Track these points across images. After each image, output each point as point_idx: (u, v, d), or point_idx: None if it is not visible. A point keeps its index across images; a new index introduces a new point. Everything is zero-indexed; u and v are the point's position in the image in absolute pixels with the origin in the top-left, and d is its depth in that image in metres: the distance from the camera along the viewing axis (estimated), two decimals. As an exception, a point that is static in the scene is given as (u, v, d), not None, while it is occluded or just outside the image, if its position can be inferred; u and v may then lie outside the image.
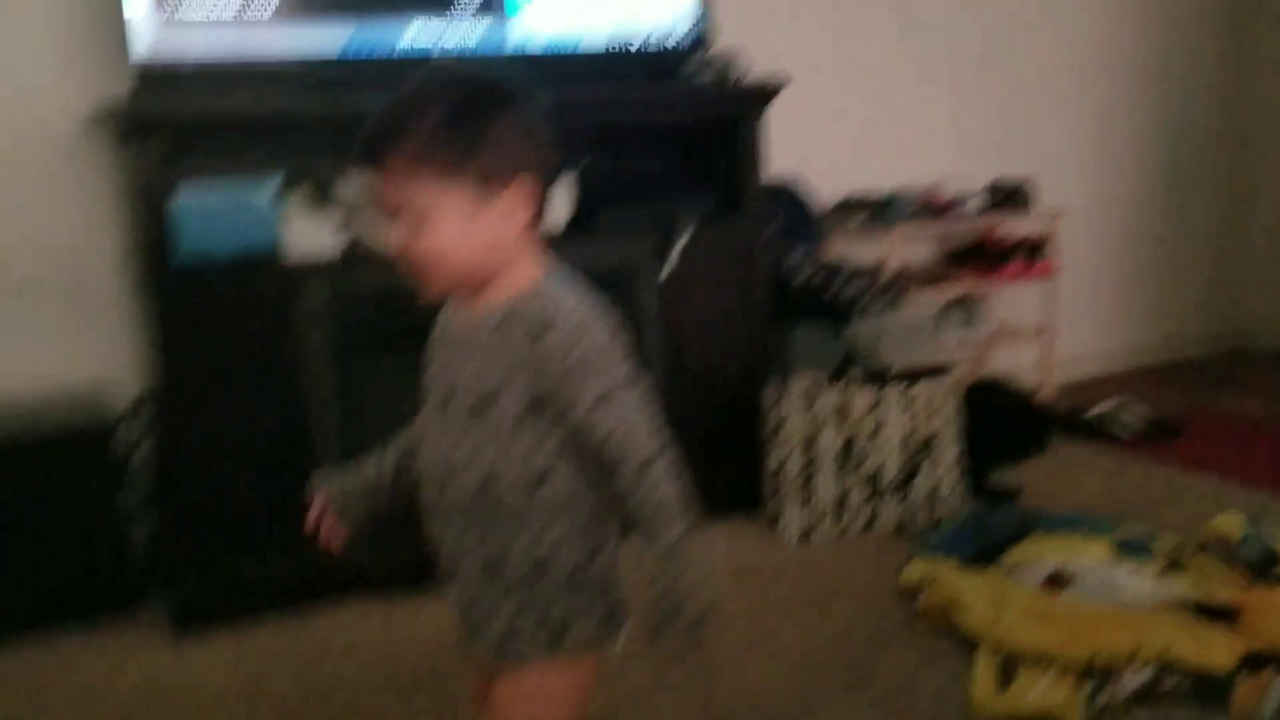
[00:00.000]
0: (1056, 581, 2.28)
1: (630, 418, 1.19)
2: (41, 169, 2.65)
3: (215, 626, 2.45)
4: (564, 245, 2.48)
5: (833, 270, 3.16)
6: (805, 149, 3.48)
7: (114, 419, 2.57)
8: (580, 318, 1.20)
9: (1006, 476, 3.11)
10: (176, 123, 2.42)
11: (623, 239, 2.81)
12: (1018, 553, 2.45)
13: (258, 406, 2.50)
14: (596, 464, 1.21)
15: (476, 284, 1.23)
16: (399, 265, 1.22)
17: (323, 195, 2.56)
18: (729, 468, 2.97)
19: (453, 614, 1.32)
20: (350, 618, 2.49)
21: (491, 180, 1.18)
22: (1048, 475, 3.21)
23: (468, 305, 1.25)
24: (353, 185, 2.53)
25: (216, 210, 2.40)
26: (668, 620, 1.17)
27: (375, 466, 1.41)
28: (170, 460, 2.53)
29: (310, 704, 2.13)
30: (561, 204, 2.76)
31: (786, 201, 3.35)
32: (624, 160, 2.99)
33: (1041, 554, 2.41)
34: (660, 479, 1.19)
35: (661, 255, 2.84)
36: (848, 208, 3.60)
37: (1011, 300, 4.08)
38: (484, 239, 1.20)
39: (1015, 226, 3.86)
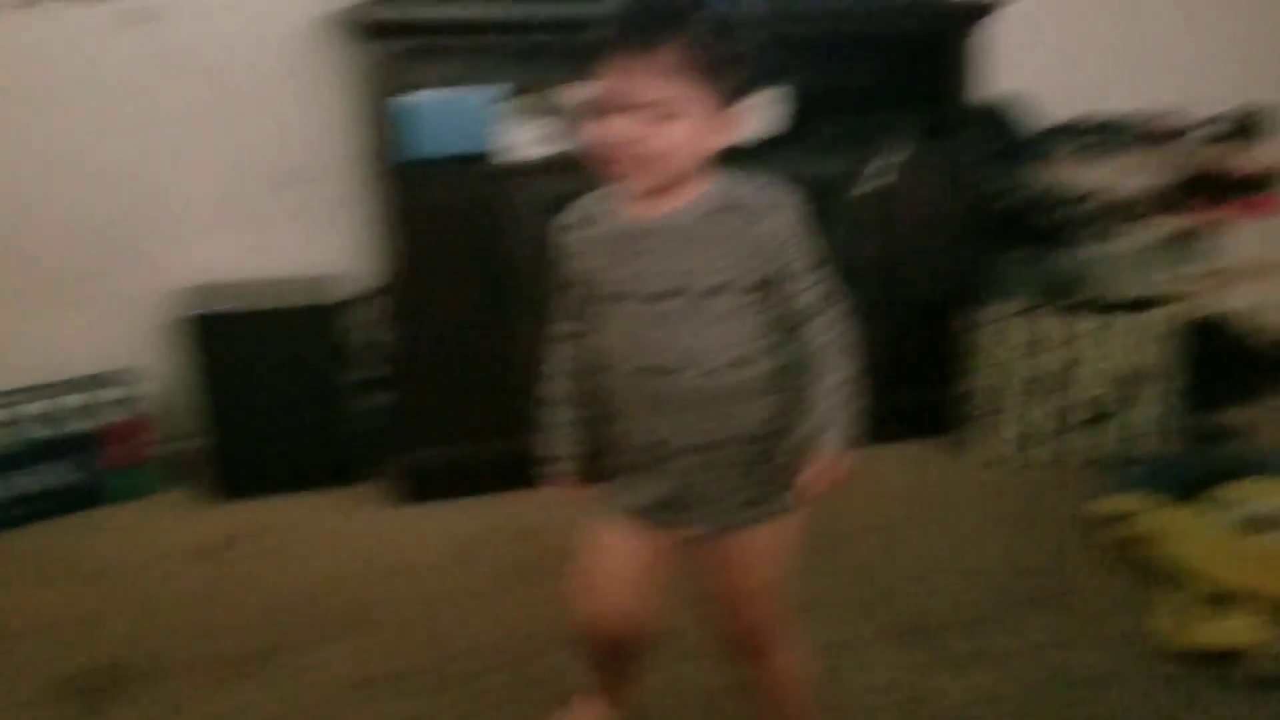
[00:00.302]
0: (1259, 523, 2.21)
1: (822, 285, 1.36)
2: (281, 69, 2.87)
3: (433, 500, 2.68)
4: (772, 156, 2.55)
5: (1048, 194, 3.07)
6: (1033, 67, 3.36)
7: (343, 303, 2.81)
8: (783, 201, 1.32)
9: (1225, 417, 2.99)
10: (409, 27, 2.57)
11: (831, 153, 2.82)
12: (1225, 493, 2.38)
13: (474, 298, 2.68)
14: (789, 335, 1.36)
15: (678, 183, 1.31)
16: (605, 157, 1.28)
17: (543, 102, 2.68)
18: (922, 390, 2.98)
19: (653, 499, 1.43)
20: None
21: (735, 92, 1.27)
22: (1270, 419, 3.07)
23: (652, 203, 1.33)
24: (573, 92, 2.63)
25: (443, 111, 2.56)
26: (826, 441, 1.33)
27: (569, 411, 1.50)
28: (396, 343, 2.76)
29: (521, 572, 2.33)
30: (774, 115, 2.79)
31: (1003, 121, 3.26)
32: (834, 74, 2.98)
33: (1249, 495, 2.34)
34: (842, 330, 1.37)
35: (867, 170, 2.84)
36: (1070, 131, 3.46)
37: (1240, 235, 3.84)
38: (708, 143, 1.29)
39: (1247, 158, 3.62)
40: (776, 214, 1.31)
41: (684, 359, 1.34)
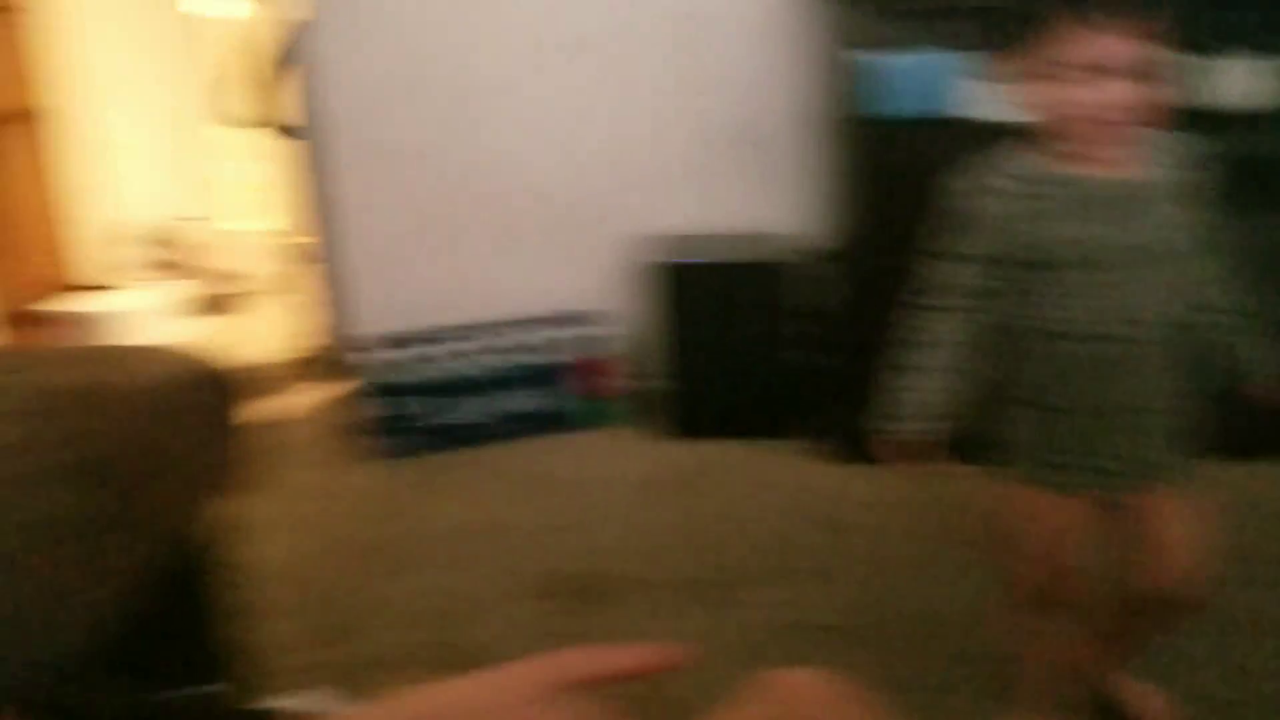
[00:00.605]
0: None
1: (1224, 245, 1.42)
2: (748, 31, 2.97)
3: (874, 461, 2.68)
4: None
5: None
6: None
7: (796, 261, 2.87)
8: (1201, 161, 1.38)
9: None
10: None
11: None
12: None
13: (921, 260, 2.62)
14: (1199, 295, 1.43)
15: (1133, 144, 1.36)
16: (1079, 119, 1.31)
17: (1005, 65, 2.55)
18: None
19: (1094, 463, 1.43)
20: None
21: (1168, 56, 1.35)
22: None
23: (1109, 164, 1.35)
24: (1034, 55, 2.48)
25: (909, 71, 2.52)
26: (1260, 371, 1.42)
27: (942, 379, 1.46)
28: (842, 303, 2.78)
29: (962, 543, 2.29)
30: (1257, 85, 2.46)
31: None
32: None
33: None
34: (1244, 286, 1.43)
35: None
36: None
37: None
38: (1158, 105, 1.33)
39: None
40: (1200, 174, 1.37)
41: (1139, 321, 1.35)
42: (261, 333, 3.89)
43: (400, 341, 2.93)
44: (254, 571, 2.23)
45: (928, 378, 1.47)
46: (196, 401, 1.52)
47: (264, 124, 3.54)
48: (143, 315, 3.72)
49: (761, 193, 3.09)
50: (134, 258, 4.29)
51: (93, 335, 3.52)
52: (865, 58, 2.55)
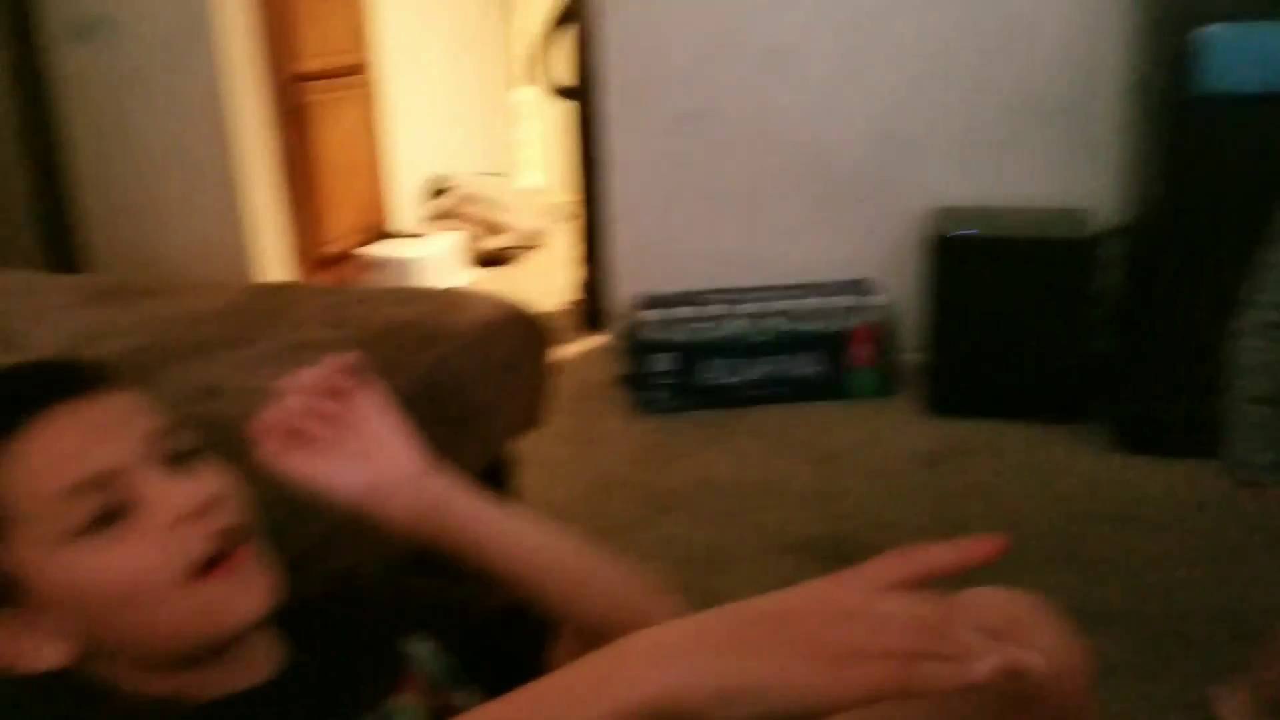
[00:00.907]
0: None
1: None
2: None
3: (1156, 454, 2.57)
4: None
5: None
6: None
7: (1086, 239, 2.75)
8: None
9: None
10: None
11: None
12: None
13: (1238, 250, 2.46)
14: None
15: None
16: None
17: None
18: None
19: None
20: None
21: None
22: None
23: None
24: None
25: (1248, 45, 2.35)
26: None
27: None
28: (1137, 286, 2.65)
29: (1252, 551, 2.16)
30: None
31: None
32: None
33: None
34: None
35: None
36: None
37: None
38: None
39: None
40: None
41: None
42: (536, 286, 4.12)
43: (668, 301, 3.03)
44: (528, 500, 2.41)
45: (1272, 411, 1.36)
46: (515, 343, 1.66)
47: (549, 84, 3.73)
48: (437, 262, 4.01)
49: (1067, 168, 2.98)
50: (433, 208, 4.63)
51: (396, 279, 3.84)
52: (1200, 29, 2.40)
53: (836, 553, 2.22)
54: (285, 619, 0.82)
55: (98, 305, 1.82)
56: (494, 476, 1.84)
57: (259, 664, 0.81)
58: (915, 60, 3.01)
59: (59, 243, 3.49)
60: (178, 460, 0.77)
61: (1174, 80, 2.43)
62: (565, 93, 3.67)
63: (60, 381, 0.76)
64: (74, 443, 0.73)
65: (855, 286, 3.07)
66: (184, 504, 0.75)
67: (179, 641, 0.76)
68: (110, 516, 0.73)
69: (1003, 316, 2.77)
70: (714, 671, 0.53)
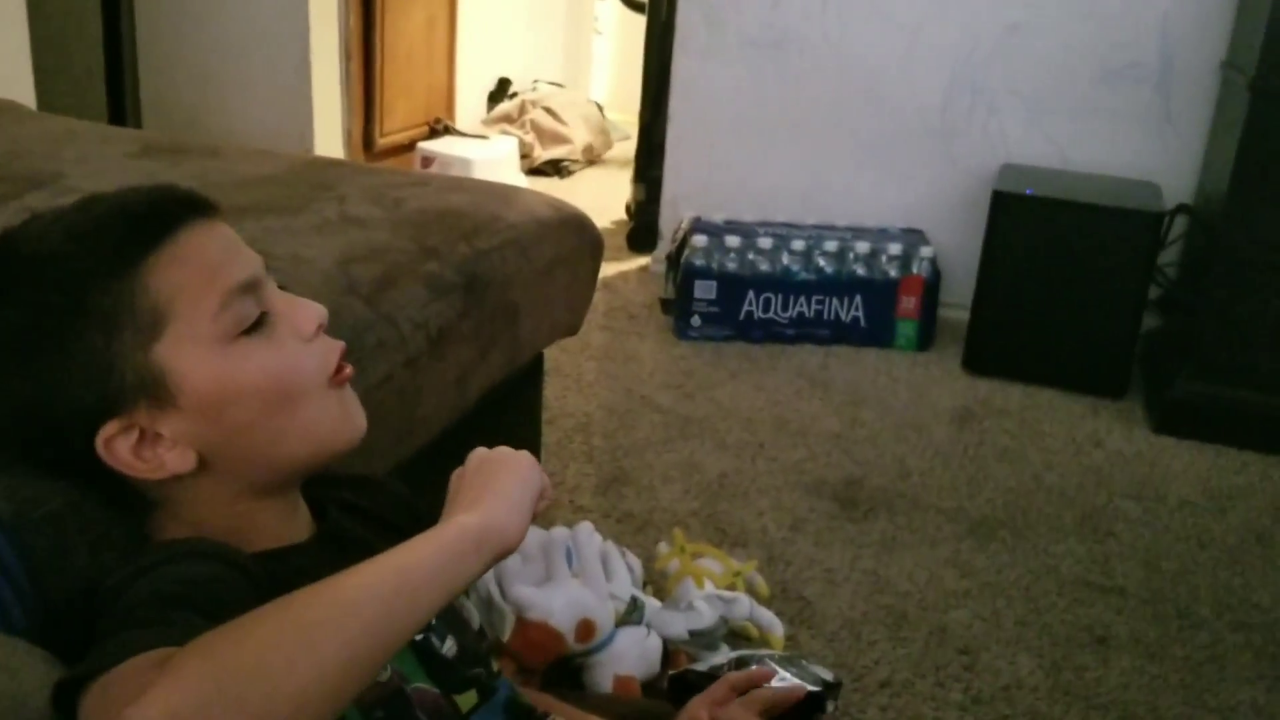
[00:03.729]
0: None
1: None
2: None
3: (1188, 436, 2.54)
4: None
5: None
6: None
7: (1158, 214, 2.69)
8: None
9: None
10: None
11: None
12: None
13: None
14: None
15: None
16: None
17: None
18: None
19: None
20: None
21: None
22: None
23: None
24: None
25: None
26: None
27: None
28: (1189, 266, 2.59)
29: (1270, 541, 2.14)
30: None
31: None
32: None
33: None
34: None
35: None
36: None
37: None
38: None
39: None
40: None
41: None
42: (588, 201, 4.10)
43: (718, 229, 3.01)
44: (553, 410, 2.43)
45: None
46: (564, 245, 1.66)
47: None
48: (494, 165, 4.00)
49: (1146, 140, 2.90)
50: (496, 112, 4.60)
51: (453, 174, 3.83)
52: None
53: (848, 496, 2.22)
54: (312, 497, 0.89)
55: (152, 159, 1.83)
56: (525, 379, 1.85)
57: (300, 525, 0.87)
58: (1005, 10, 2.92)
59: (121, 101, 3.51)
60: (282, 288, 0.84)
61: (1265, 64, 2.35)
62: (642, 7, 3.61)
63: (188, 201, 0.81)
64: (219, 253, 0.79)
65: (910, 236, 3.02)
66: (315, 318, 0.82)
67: (305, 449, 0.82)
68: (258, 322, 0.79)
69: (1055, 282, 2.72)
70: None
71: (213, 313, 0.76)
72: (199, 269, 0.77)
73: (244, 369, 0.77)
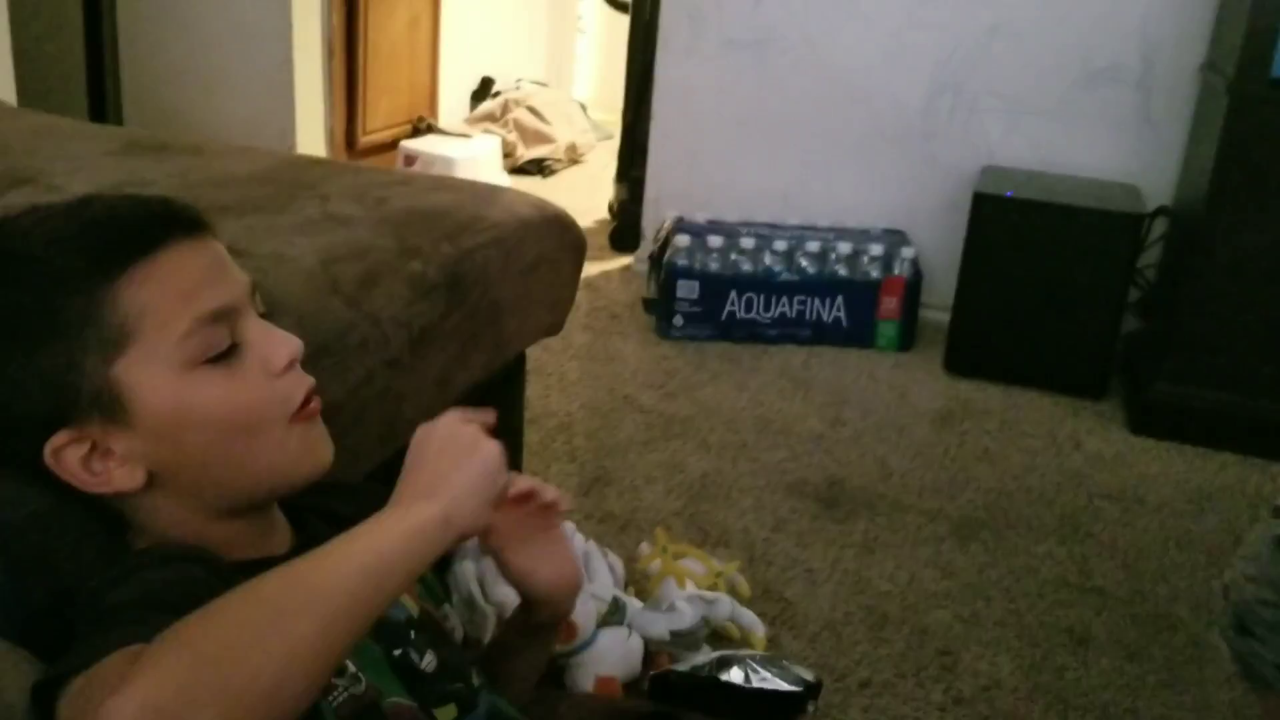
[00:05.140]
0: None
1: None
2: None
3: (1164, 437, 2.56)
4: None
5: None
6: None
7: (1139, 215, 2.70)
8: None
9: None
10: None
11: None
12: None
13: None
14: None
15: None
16: None
17: None
18: None
19: None
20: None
21: None
22: None
23: None
24: None
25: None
26: None
27: None
28: (1169, 269, 2.61)
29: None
30: None
31: None
32: None
33: None
34: None
35: None
36: None
37: None
38: None
39: None
40: None
41: None
42: (571, 200, 4.10)
43: (700, 229, 3.01)
44: (535, 410, 2.42)
45: None
46: (547, 245, 1.66)
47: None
48: (477, 164, 3.99)
49: (1126, 142, 2.92)
50: (478, 111, 4.59)
51: (436, 173, 3.81)
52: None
53: (830, 496, 2.23)
54: (292, 506, 0.88)
55: (135, 157, 1.81)
56: (507, 379, 1.84)
57: (277, 539, 0.86)
58: (986, 12, 2.93)
59: (102, 98, 3.49)
60: (264, 316, 0.83)
61: (1244, 66, 2.37)
62: (625, 7, 3.61)
63: (178, 219, 0.79)
64: (199, 276, 0.78)
65: (891, 237, 3.03)
66: (288, 353, 0.81)
67: (262, 480, 0.81)
68: (227, 352, 0.77)
69: (1035, 284, 2.73)
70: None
71: (179, 337, 0.75)
72: (173, 291, 0.76)
73: (201, 397, 0.77)
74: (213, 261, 0.80)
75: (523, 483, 0.88)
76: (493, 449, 0.78)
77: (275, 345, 0.80)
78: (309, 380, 0.83)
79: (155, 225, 0.78)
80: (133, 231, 0.77)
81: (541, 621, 0.97)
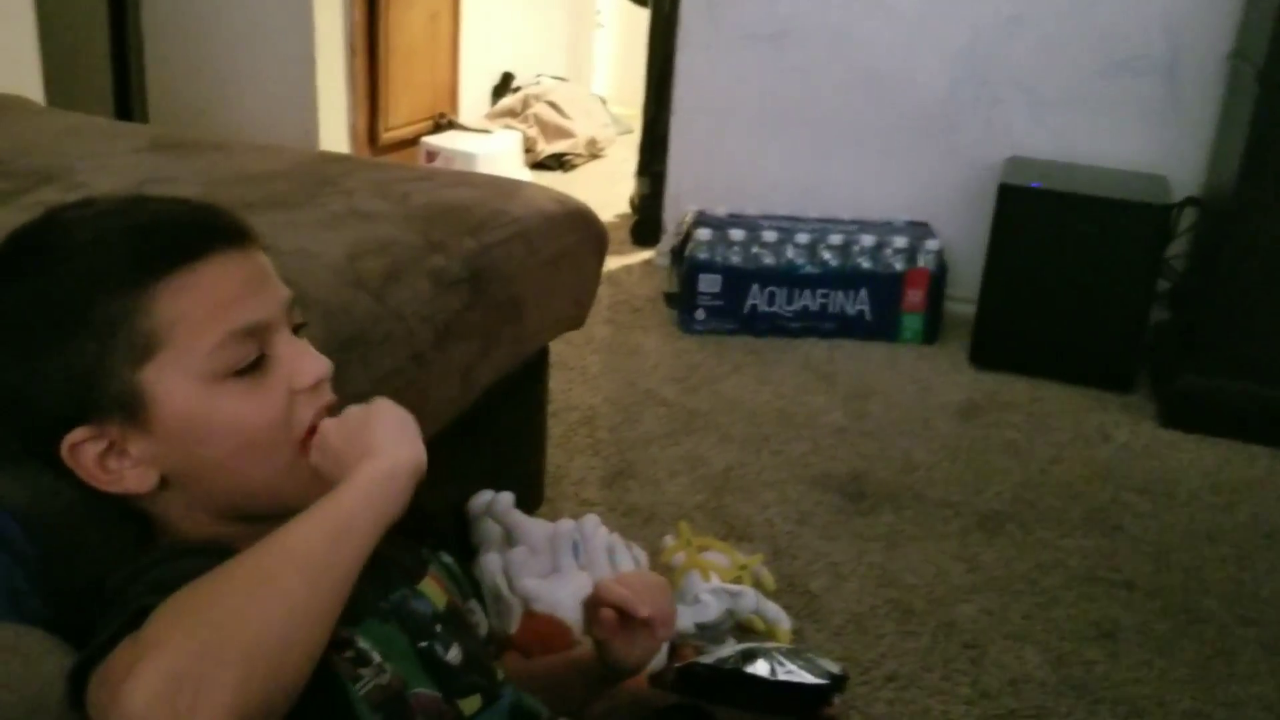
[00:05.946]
0: None
1: None
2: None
3: (1196, 431, 2.53)
4: None
5: None
6: None
7: (1166, 206, 2.68)
8: None
9: None
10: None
11: None
12: None
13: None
14: None
15: None
16: None
17: None
18: None
19: None
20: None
21: None
22: None
23: None
24: None
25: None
26: None
27: None
28: (1201, 260, 2.58)
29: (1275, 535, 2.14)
30: None
31: None
32: None
33: None
34: None
35: None
36: None
37: None
38: None
39: None
40: None
41: None
42: (591, 195, 4.10)
43: (722, 222, 3.00)
44: (558, 404, 2.42)
45: None
46: (569, 239, 1.66)
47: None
48: (497, 160, 3.99)
49: (1153, 132, 2.88)
50: (499, 106, 4.59)
51: (457, 168, 3.82)
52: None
53: (854, 490, 2.22)
54: None
55: (159, 154, 1.83)
56: (530, 373, 1.85)
57: None
58: (1008, 2, 2.91)
59: (128, 97, 3.51)
60: (297, 332, 0.83)
61: (1274, 54, 2.33)
62: (644, 1, 3.60)
63: (225, 229, 0.80)
64: (235, 289, 0.78)
65: (915, 229, 3.02)
66: (316, 373, 0.81)
67: (264, 498, 0.81)
68: (252, 366, 0.78)
69: (1061, 275, 2.71)
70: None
71: (209, 349, 0.76)
72: (209, 302, 0.76)
73: (220, 410, 0.77)
74: (252, 275, 0.80)
75: (614, 595, 0.93)
76: (383, 402, 0.82)
77: (305, 363, 0.81)
78: (329, 398, 0.83)
79: (200, 234, 0.78)
80: (177, 239, 0.77)
81: (617, 678, 1.02)
